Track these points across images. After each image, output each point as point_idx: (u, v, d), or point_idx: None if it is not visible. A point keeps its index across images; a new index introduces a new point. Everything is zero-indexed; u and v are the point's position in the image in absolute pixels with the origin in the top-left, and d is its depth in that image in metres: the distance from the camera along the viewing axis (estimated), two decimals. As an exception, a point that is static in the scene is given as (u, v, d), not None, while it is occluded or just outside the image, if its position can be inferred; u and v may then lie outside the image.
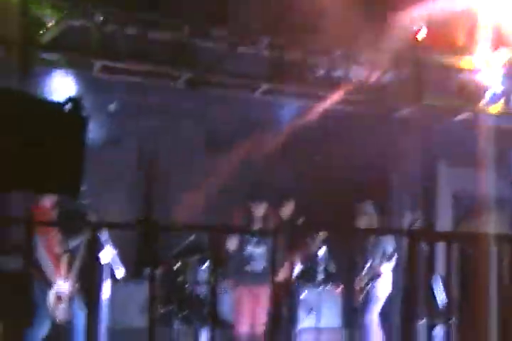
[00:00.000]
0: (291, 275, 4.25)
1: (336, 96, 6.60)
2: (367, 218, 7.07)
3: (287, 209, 7.02)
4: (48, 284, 5.57)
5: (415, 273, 4.27)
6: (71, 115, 5.01)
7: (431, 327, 3.93)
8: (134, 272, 7.37)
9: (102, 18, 5.38)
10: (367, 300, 7.04)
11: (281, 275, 6.30)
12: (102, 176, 7.57)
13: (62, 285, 5.64)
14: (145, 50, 5.60)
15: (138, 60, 5.61)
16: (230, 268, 6.69)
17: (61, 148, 4.91)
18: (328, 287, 8.08)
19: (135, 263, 7.78)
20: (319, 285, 7.06)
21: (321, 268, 6.79)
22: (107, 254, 5.61)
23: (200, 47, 5.93)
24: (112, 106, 7.54)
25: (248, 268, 6.53)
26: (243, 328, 6.57)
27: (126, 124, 8.24)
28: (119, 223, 5.05)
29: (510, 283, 4.89)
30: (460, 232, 5.78)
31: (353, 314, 7.20)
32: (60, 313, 5.62)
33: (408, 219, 8.56)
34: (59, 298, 5.62)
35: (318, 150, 8.58)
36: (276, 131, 8.49)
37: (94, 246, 4.69)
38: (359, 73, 6.74)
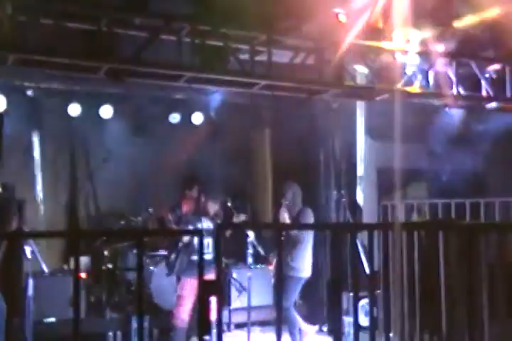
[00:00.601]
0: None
1: (260, 82, 6.62)
2: (293, 197, 7.17)
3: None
4: None
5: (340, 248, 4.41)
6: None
7: (357, 299, 4.12)
8: (60, 263, 7.31)
9: (12, 9, 5.15)
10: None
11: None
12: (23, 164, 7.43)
13: None
14: (61, 42, 5.41)
15: (54, 52, 5.40)
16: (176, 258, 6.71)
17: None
18: (259, 266, 8.27)
19: (62, 253, 7.69)
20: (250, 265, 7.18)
21: (250, 251, 6.89)
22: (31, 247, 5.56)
23: (120, 37, 5.79)
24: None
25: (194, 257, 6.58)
26: (182, 317, 6.62)
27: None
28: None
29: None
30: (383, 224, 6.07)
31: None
32: None
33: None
34: None
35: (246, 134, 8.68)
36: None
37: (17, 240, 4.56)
38: (282, 57, 6.76)
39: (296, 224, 6.66)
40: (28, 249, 5.70)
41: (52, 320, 7.14)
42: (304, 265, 6.89)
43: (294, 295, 7.02)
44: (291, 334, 6.85)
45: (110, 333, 7.46)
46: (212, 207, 7.01)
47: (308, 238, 6.92)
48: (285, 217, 6.69)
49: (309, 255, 6.98)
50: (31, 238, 5.15)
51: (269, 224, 6.90)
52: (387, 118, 7.81)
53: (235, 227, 5.85)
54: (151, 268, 7.78)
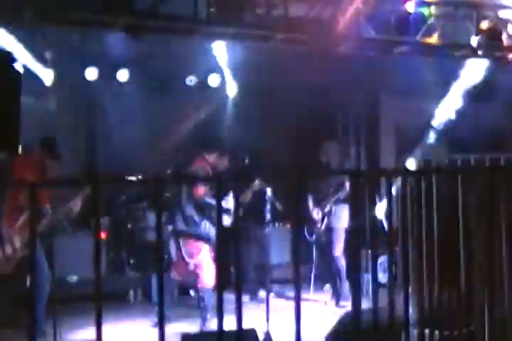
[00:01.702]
0: (237, 216, 4.33)
1: (277, 36, 6.49)
2: (335, 155, 7.31)
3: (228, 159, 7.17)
4: None
5: (359, 208, 4.38)
6: (3, 69, 4.83)
7: (375, 257, 4.11)
8: (82, 223, 7.34)
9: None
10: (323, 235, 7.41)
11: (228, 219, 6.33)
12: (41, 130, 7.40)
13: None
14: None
15: (72, 6, 5.30)
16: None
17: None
18: (277, 225, 8.27)
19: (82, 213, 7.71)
20: (268, 224, 7.19)
21: (268, 208, 6.85)
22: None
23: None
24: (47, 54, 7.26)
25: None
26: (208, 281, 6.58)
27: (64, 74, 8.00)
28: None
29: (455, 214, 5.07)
30: (399, 168, 5.91)
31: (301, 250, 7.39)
32: None
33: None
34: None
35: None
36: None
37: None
38: (298, 10, 6.60)
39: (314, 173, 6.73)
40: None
41: (74, 278, 7.24)
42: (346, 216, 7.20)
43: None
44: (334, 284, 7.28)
45: (131, 291, 7.57)
46: (222, 163, 6.97)
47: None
48: None
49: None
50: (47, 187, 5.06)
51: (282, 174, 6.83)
52: (407, 74, 7.72)
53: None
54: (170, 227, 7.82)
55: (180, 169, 7.07)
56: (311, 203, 7.57)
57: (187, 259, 6.50)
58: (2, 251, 5.55)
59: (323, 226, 7.49)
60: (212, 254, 6.52)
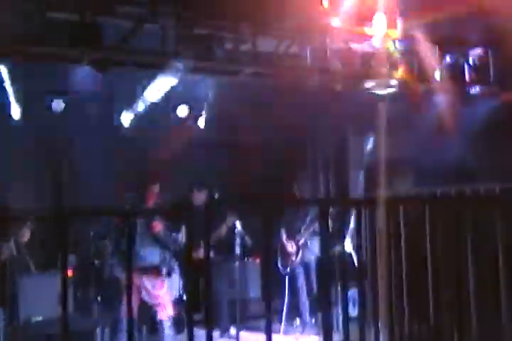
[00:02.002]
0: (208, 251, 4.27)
1: (245, 70, 6.55)
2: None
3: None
4: None
5: (327, 239, 4.38)
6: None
7: (345, 289, 4.08)
8: (47, 262, 7.19)
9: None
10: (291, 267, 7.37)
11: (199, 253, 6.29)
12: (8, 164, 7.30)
13: None
14: (43, 31, 5.28)
15: (35, 41, 5.27)
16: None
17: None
18: (247, 260, 8.23)
19: (47, 252, 7.56)
20: (237, 258, 7.15)
21: (237, 242, 6.84)
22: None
23: (104, 26, 5.68)
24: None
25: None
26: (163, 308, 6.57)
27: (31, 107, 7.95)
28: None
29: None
30: (370, 198, 5.92)
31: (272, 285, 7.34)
32: None
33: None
34: None
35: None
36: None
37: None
38: (267, 45, 6.69)
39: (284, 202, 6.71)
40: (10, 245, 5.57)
41: (39, 318, 7.04)
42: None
43: None
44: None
45: (98, 330, 7.38)
46: (199, 198, 6.99)
47: None
48: None
49: None
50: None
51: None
52: (370, 109, 7.83)
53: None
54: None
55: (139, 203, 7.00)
56: (284, 236, 7.56)
57: (149, 292, 6.44)
58: None
59: (297, 259, 7.47)
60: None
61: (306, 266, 7.51)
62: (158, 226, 6.54)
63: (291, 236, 7.53)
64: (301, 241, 7.50)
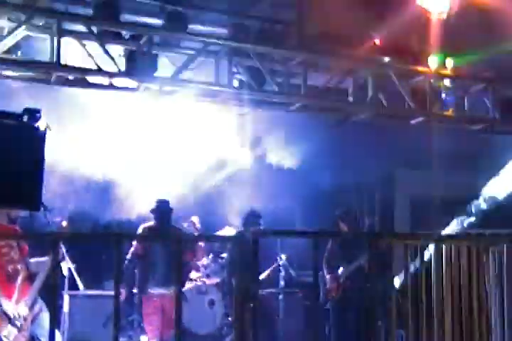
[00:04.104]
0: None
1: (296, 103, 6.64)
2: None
3: None
4: None
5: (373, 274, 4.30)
6: (27, 127, 4.90)
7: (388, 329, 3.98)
8: (93, 285, 7.23)
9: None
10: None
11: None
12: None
13: (9, 306, 4.64)
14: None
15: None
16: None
17: (18, 161, 4.79)
18: (291, 291, 8.14)
19: (94, 275, 7.61)
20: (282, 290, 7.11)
21: (282, 274, 6.80)
22: (66, 267, 5.49)
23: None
24: None
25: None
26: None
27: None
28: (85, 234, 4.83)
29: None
30: (416, 233, 5.82)
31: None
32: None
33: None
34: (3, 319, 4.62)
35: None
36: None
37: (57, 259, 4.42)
38: (317, 79, 6.78)
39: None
40: (64, 265, 5.52)
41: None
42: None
43: None
44: None
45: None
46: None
47: None
48: None
49: None
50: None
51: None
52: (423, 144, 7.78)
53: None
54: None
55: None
56: (325, 271, 7.45)
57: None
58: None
59: (338, 295, 7.34)
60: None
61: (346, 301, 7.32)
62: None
63: (331, 271, 7.41)
64: (343, 278, 7.37)
